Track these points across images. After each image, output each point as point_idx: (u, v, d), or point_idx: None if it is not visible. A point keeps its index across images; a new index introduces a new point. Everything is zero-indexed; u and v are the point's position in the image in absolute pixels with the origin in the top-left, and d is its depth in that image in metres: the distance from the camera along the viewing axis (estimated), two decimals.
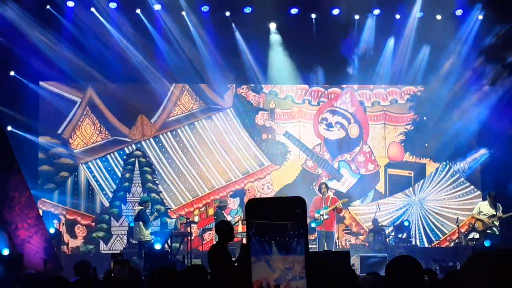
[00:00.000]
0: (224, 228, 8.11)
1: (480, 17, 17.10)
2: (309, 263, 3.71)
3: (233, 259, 8.11)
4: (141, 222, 14.66)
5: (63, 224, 16.51)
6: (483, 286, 4.57)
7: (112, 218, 17.10)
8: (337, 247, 15.84)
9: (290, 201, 3.85)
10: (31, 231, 12.10)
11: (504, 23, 16.04)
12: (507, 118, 17.16)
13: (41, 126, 16.98)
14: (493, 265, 4.62)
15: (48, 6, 16.12)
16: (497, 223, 15.05)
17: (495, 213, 14.94)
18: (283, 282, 3.74)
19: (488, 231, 14.97)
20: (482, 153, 17.77)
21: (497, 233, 15.04)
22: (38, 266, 11.35)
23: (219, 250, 7.92)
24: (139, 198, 16.29)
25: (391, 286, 4.39)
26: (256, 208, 3.81)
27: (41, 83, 17.04)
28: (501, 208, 15.03)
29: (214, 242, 8.31)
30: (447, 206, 17.99)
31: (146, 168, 17.33)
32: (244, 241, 12.36)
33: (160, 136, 17.55)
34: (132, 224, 16.50)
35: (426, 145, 17.96)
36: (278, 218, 3.75)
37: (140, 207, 15.15)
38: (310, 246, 15.41)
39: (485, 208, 15.10)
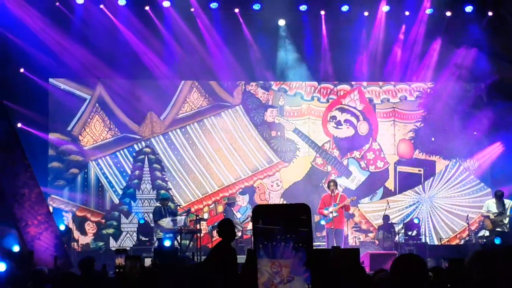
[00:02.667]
0: (223, 228, 8.07)
1: (490, 13, 17.03)
2: (312, 262, 3.73)
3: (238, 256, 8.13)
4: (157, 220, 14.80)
5: (73, 221, 16.54)
6: (485, 281, 4.57)
7: (122, 215, 17.14)
8: (347, 244, 15.82)
9: (295, 208, 3.90)
10: (41, 228, 12.13)
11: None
12: None
13: (51, 123, 17.02)
14: (494, 262, 4.62)
15: (57, 3, 16.14)
16: (506, 221, 14.98)
17: (503, 211, 14.88)
18: (271, 286, 3.77)
19: (498, 229, 14.92)
20: (492, 150, 17.70)
21: (507, 230, 14.98)
22: (48, 263, 11.38)
23: (221, 249, 7.92)
24: (149, 195, 16.35)
25: (396, 284, 4.39)
26: (262, 214, 3.85)
27: (50, 80, 17.09)
28: (509, 203, 14.97)
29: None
30: (457, 203, 17.94)
31: (155, 165, 17.36)
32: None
33: (170, 133, 17.56)
34: (142, 221, 16.57)
35: (433, 139, 17.90)
36: (283, 224, 3.79)
37: (157, 204, 15.29)
38: (319, 243, 15.52)
39: (492, 206, 15.05)
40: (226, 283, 7.25)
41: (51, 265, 11.14)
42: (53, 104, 17.08)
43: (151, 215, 16.46)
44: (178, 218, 15.07)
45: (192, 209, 16.77)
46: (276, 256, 3.82)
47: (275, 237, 3.82)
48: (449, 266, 7.98)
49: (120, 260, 9.52)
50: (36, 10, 15.77)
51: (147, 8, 16.63)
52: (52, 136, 16.99)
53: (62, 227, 15.21)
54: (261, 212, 3.83)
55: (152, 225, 15.68)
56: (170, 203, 15.74)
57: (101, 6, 16.40)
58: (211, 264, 7.81)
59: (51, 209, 14.52)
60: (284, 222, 3.82)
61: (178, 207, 16.49)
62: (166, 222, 14.82)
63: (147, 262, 12.41)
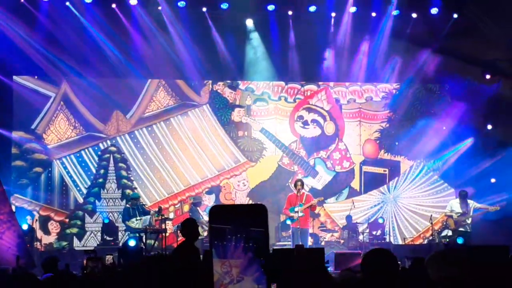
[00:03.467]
0: (186, 228, 8.05)
1: (455, 15, 17.26)
2: (266, 262, 3.73)
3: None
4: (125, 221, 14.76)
5: (36, 220, 16.33)
6: (444, 280, 4.63)
7: (86, 214, 16.97)
8: (312, 244, 15.90)
9: (251, 208, 3.90)
10: (4, 227, 11.97)
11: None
12: (481, 116, 17.40)
13: (14, 121, 16.79)
14: (452, 261, 4.68)
15: (22, 0, 15.92)
16: (468, 221, 15.20)
17: (466, 211, 15.09)
18: (221, 286, 3.77)
19: (461, 229, 15.13)
20: (457, 151, 17.92)
21: (469, 230, 15.20)
22: (10, 262, 11.24)
23: (184, 249, 7.90)
24: (114, 194, 16.23)
25: (367, 279, 4.41)
26: (219, 214, 3.84)
27: (14, 77, 16.85)
28: (472, 204, 15.18)
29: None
30: (421, 203, 18.14)
31: (121, 164, 17.23)
32: None
33: (136, 132, 17.45)
34: (106, 221, 16.45)
35: (397, 143, 18.10)
36: (240, 224, 3.78)
37: (126, 205, 15.25)
38: (285, 243, 15.57)
39: (456, 206, 15.25)
40: (188, 283, 7.22)
41: (13, 265, 11.00)
42: (17, 102, 16.85)
43: (115, 215, 16.38)
44: (143, 217, 14.99)
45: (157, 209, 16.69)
46: (226, 256, 3.80)
47: (226, 236, 3.81)
48: (411, 265, 8.08)
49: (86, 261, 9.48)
50: (1, 6, 15.54)
51: (114, 5, 16.50)
52: (16, 134, 16.76)
53: (25, 227, 15.04)
54: (217, 213, 3.82)
55: (117, 224, 15.56)
56: (138, 203, 15.60)
57: (67, 3, 16.22)
58: (174, 263, 7.77)
59: (13, 208, 14.32)
60: (237, 222, 3.80)
61: (145, 206, 16.36)
62: (135, 222, 14.73)
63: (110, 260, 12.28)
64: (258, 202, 17.09)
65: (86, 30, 16.43)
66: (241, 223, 3.85)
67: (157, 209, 15.45)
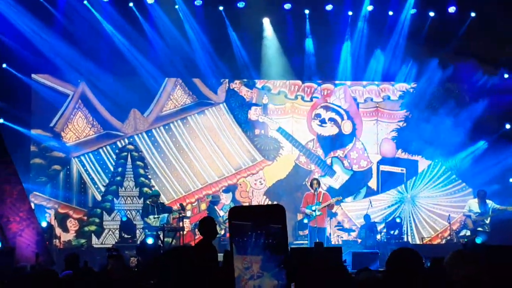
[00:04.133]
0: (204, 227, 8.02)
1: (473, 14, 17.17)
2: (286, 259, 3.77)
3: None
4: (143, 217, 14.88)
5: (55, 217, 16.46)
6: (464, 279, 4.60)
7: (104, 212, 17.08)
8: (329, 243, 15.86)
9: (269, 208, 3.94)
10: (23, 224, 12.07)
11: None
12: (499, 115, 17.29)
13: (33, 119, 16.92)
14: (473, 260, 4.66)
15: None
16: (487, 221, 15.09)
17: (485, 211, 14.99)
18: (242, 281, 3.81)
19: (479, 229, 15.03)
20: (475, 150, 17.82)
21: (488, 230, 15.09)
22: (29, 259, 11.34)
23: (202, 247, 7.90)
24: (132, 192, 16.35)
25: (392, 278, 4.40)
26: (238, 215, 3.88)
27: (33, 75, 16.98)
28: (491, 204, 15.06)
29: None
30: (439, 203, 18.05)
31: (138, 163, 17.30)
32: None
33: (153, 130, 17.52)
34: (124, 219, 16.54)
35: (414, 142, 18.01)
36: (255, 220, 3.82)
37: (147, 202, 15.42)
38: (301, 241, 15.56)
39: (474, 206, 15.14)
40: (206, 281, 7.24)
41: (32, 262, 11.10)
42: (35, 100, 16.97)
43: (133, 213, 16.47)
44: (161, 216, 15.07)
45: (175, 207, 16.77)
46: (247, 252, 3.86)
47: (246, 232, 3.86)
48: (431, 265, 8.05)
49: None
50: (19, 5, 15.65)
51: (131, 4, 16.58)
52: (34, 132, 16.89)
53: (44, 224, 15.14)
54: (236, 213, 3.88)
55: (135, 222, 15.65)
56: (158, 200, 15.65)
57: (85, 2, 16.31)
58: (191, 262, 7.79)
59: (32, 205, 14.43)
60: (256, 219, 3.86)
61: (166, 203, 16.38)
62: (152, 220, 14.81)
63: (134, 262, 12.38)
64: (275, 201, 17.20)
65: (103, 28, 16.52)
66: (257, 220, 3.91)
67: (179, 207, 15.51)
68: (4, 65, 16.32)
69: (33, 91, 16.93)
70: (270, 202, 17.60)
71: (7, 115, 16.14)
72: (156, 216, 14.87)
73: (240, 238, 3.83)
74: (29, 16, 15.82)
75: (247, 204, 17.38)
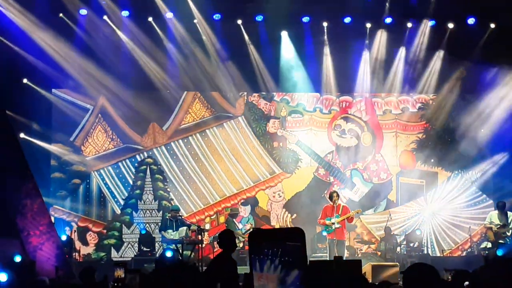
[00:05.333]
0: (224, 239, 8.02)
1: (492, 25, 17.08)
2: (304, 277, 3.77)
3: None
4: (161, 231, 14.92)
5: (74, 231, 16.54)
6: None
7: (123, 225, 17.14)
8: (348, 256, 15.77)
9: (289, 232, 3.96)
10: (43, 238, 12.12)
11: None
12: None
13: (53, 133, 17.05)
14: (503, 272, 4.62)
15: (61, 14, 16.18)
16: (508, 233, 14.91)
17: (506, 223, 14.82)
18: None
19: (500, 241, 14.85)
20: (494, 161, 17.69)
21: (509, 242, 14.91)
22: (50, 273, 11.36)
23: (222, 260, 7.89)
24: (151, 205, 16.43)
25: None
26: (259, 238, 3.91)
27: (53, 90, 17.14)
28: (511, 216, 14.88)
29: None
30: (459, 215, 17.90)
31: (157, 176, 17.36)
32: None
33: (172, 143, 17.58)
34: (143, 232, 16.57)
35: (435, 155, 17.88)
36: (273, 239, 3.85)
37: (166, 215, 15.48)
38: (320, 254, 15.48)
39: (495, 218, 14.97)
40: None
41: (52, 275, 11.13)
42: (56, 115, 17.12)
43: (152, 226, 16.50)
44: (180, 229, 15.08)
45: (194, 220, 16.80)
46: (263, 269, 3.86)
47: (263, 250, 3.87)
48: (452, 278, 7.97)
49: (119, 273, 9.51)
50: (40, 21, 15.81)
51: (150, 19, 16.69)
52: (55, 147, 17.01)
53: (63, 238, 15.20)
54: (256, 236, 3.93)
55: (154, 235, 15.68)
56: (177, 215, 15.63)
57: (105, 17, 16.45)
58: (211, 274, 7.79)
59: (52, 219, 14.50)
60: (274, 238, 3.88)
61: (183, 218, 16.36)
62: (169, 233, 14.84)
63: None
64: (294, 213, 17.17)
65: (122, 43, 16.65)
66: (275, 239, 3.94)
67: (196, 226, 15.51)
68: (25, 80, 16.49)
69: (53, 106, 17.09)
70: (289, 215, 17.58)
71: (28, 129, 16.30)
72: (174, 231, 14.89)
73: (256, 256, 3.84)
74: (49, 32, 15.96)
75: (266, 217, 17.40)
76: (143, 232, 16.62)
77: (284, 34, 17.35)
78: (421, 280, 4.32)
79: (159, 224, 15.86)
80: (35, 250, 11.99)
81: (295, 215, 17.55)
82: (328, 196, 14.82)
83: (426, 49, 17.33)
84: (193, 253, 15.01)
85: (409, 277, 4.39)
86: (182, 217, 16.31)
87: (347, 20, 17.06)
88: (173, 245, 14.61)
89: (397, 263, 14.48)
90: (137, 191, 17.27)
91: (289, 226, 17.12)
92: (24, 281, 10.00)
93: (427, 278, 4.31)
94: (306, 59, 17.44)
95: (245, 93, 17.89)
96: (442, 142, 17.79)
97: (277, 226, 17.30)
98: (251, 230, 16.25)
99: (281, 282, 3.85)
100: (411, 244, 16.55)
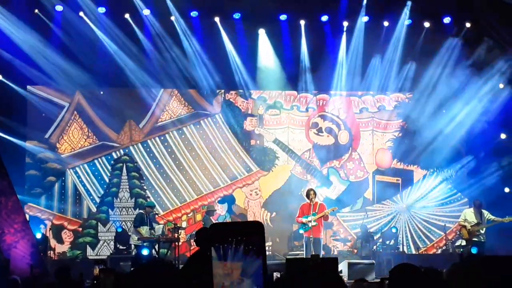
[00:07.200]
0: (200, 237, 8.01)
1: (468, 25, 17.22)
2: (264, 266, 3.78)
3: None
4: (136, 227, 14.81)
5: (49, 229, 16.40)
6: None
7: (99, 223, 17.02)
8: (324, 254, 15.82)
9: (248, 225, 4.00)
10: (18, 236, 11.99)
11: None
12: (494, 125, 17.30)
13: (28, 130, 16.87)
14: (476, 272, 4.66)
15: (36, 10, 16.03)
16: (482, 231, 15.03)
17: (480, 221, 14.93)
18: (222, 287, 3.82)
19: (474, 239, 14.96)
20: (469, 160, 17.84)
21: (483, 240, 15.04)
22: (24, 272, 11.24)
23: (197, 258, 7.87)
24: (127, 203, 16.31)
25: None
26: (219, 231, 3.92)
27: (28, 87, 16.96)
28: (486, 214, 14.98)
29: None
30: (434, 213, 18.04)
31: (133, 173, 17.27)
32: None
33: (148, 141, 17.50)
34: (119, 230, 16.47)
35: (410, 152, 18.00)
36: (236, 230, 3.86)
37: (140, 211, 15.27)
38: (297, 252, 15.52)
39: (470, 215, 15.07)
40: None
41: (27, 274, 11.02)
42: (31, 112, 16.95)
43: (128, 224, 16.40)
44: (156, 227, 15.01)
45: (170, 218, 16.73)
46: (227, 259, 3.88)
47: (227, 240, 3.89)
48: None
49: (97, 271, 9.45)
50: (15, 17, 15.65)
51: (127, 16, 16.58)
52: (30, 144, 16.84)
53: (38, 236, 15.07)
54: (217, 229, 3.95)
55: (130, 233, 15.57)
56: (153, 212, 15.57)
57: (81, 13, 16.30)
58: (187, 272, 7.77)
59: (27, 217, 14.36)
60: (235, 230, 3.90)
61: (156, 216, 16.29)
62: (145, 230, 14.75)
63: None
64: (273, 212, 17.21)
65: (99, 40, 16.51)
66: (238, 230, 3.96)
67: (173, 223, 15.45)
68: None
69: (28, 103, 16.91)
70: (268, 213, 17.61)
71: (2, 126, 16.10)
72: (148, 227, 14.82)
73: (221, 245, 3.85)
74: (24, 28, 15.79)
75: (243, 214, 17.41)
76: (119, 230, 16.53)
77: (262, 32, 17.36)
78: (407, 281, 4.34)
79: (134, 220, 15.68)
80: (9, 248, 11.85)
81: (274, 213, 17.56)
82: (305, 194, 14.87)
83: (402, 47, 17.40)
84: (169, 251, 14.97)
85: (395, 278, 4.40)
86: (158, 215, 16.26)
87: (324, 18, 17.10)
88: (149, 243, 14.53)
89: (373, 261, 14.56)
90: (113, 189, 17.17)
91: (268, 224, 17.17)
92: None
93: (413, 280, 4.33)
94: (283, 57, 17.44)
95: (223, 90, 17.86)
96: (418, 140, 17.86)
97: None
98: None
99: (245, 270, 3.86)
100: (387, 242, 16.66)
